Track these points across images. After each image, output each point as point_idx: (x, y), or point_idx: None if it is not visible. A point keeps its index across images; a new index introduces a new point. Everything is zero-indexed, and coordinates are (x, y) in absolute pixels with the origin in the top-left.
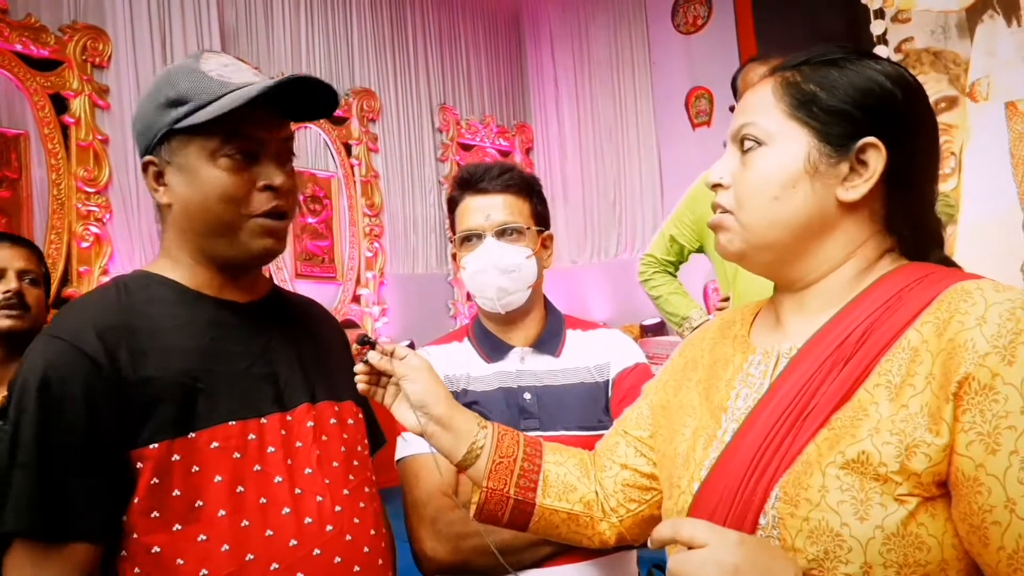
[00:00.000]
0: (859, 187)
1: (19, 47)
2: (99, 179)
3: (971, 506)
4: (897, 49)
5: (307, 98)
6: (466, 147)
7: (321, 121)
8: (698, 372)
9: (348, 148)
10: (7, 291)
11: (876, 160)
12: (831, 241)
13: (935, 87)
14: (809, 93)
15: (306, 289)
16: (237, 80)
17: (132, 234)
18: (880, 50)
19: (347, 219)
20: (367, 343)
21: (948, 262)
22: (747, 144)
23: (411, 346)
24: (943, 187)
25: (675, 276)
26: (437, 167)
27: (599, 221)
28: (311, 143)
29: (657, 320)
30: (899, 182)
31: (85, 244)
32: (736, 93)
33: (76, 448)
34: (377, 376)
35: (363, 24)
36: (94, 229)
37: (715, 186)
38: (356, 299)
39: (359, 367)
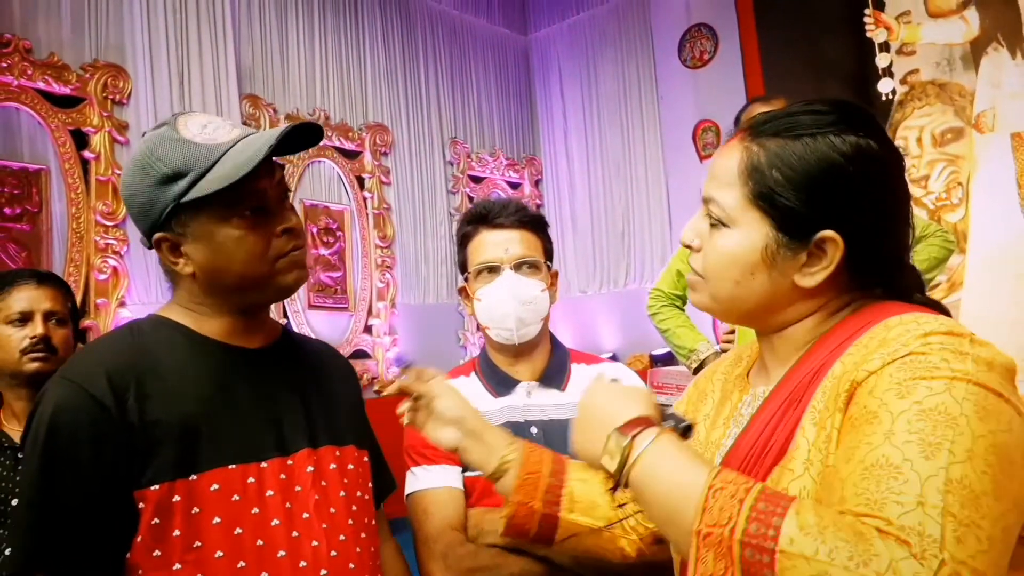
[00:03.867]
0: (816, 275)
1: (42, 84)
2: (117, 213)
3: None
4: (903, 81)
5: (297, 138)
6: (476, 179)
7: (335, 155)
8: (706, 406)
9: (361, 181)
10: (33, 336)
11: (833, 250)
12: (791, 309)
13: (941, 118)
14: (769, 184)
15: (319, 319)
16: (222, 139)
17: (148, 266)
18: (886, 83)
19: (360, 251)
20: (407, 366)
21: (933, 305)
22: (711, 218)
23: None
24: (950, 218)
25: (683, 309)
26: (448, 199)
27: (608, 252)
28: (325, 176)
29: (666, 350)
30: (859, 255)
31: (103, 276)
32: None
33: (82, 487)
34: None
35: (376, 61)
36: (112, 262)
37: (688, 247)
38: (368, 329)
39: (402, 404)
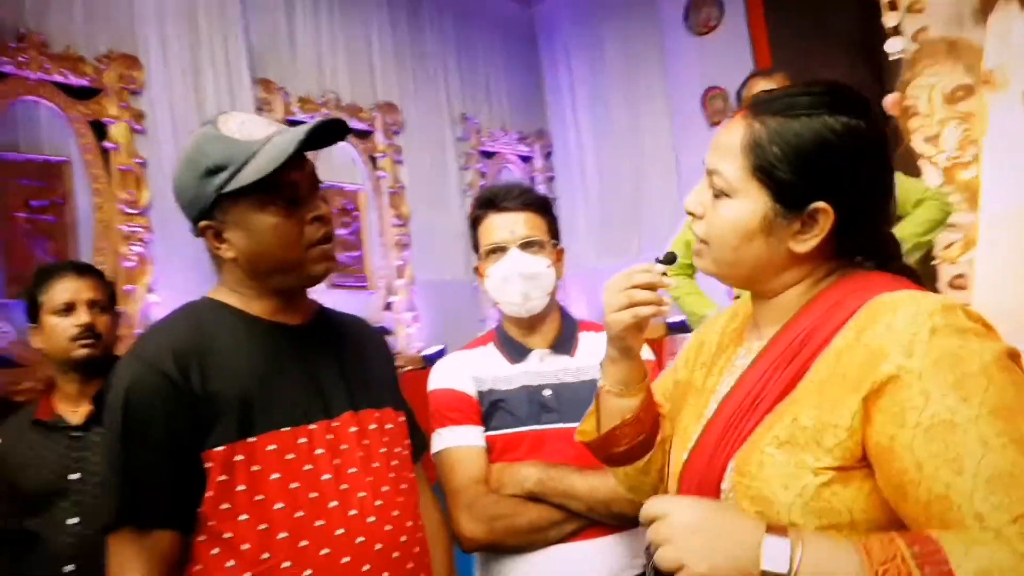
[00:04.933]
0: (809, 241)
1: (59, 77)
2: (140, 201)
3: (889, 471)
4: (913, 39)
5: (325, 133)
6: (488, 155)
7: (348, 136)
8: (703, 355)
9: (374, 160)
10: (80, 325)
11: (824, 219)
12: (786, 273)
13: (951, 76)
14: (768, 159)
15: (340, 297)
16: (259, 135)
17: (172, 252)
18: (894, 42)
19: (376, 230)
20: (670, 261)
21: (906, 271)
22: (714, 189)
23: (443, 351)
24: (964, 176)
25: (692, 277)
26: (460, 175)
27: (619, 222)
28: (339, 158)
29: (682, 318)
30: (847, 225)
31: (130, 264)
32: (741, 104)
33: (157, 451)
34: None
35: (384, 40)
36: (137, 249)
37: (691, 214)
38: (388, 306)
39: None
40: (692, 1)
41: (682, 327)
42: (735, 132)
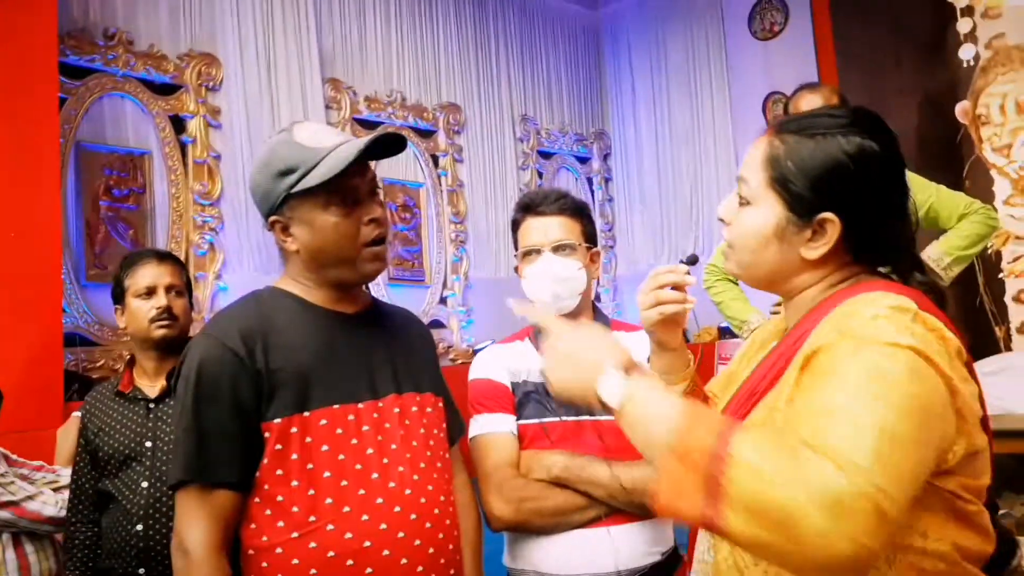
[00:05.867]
0: (819, 249)
1: (144, 74)
2: (213, 193)
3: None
4: (986, 46)
5: (386, 144)
6: (546, 155)
7: (411, 134)
8: (752, 349)
9: (435, 159)
10: (159, 307)
11: (832, 229)
12: (801, 277)
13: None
14: (784, 172)
15: (398, 292)
16: (328, 143)
17: (242, 242)
18: (967, 49)
19: (435, 226)
20: (692, 262)
21: (928, 286)
22: (740, 198)
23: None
24: None
25: (736, 283)
26: (518, 175)
27: (676, 225)
28: (402, 155)
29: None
30: (856, 236)
31: (201, 252)
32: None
33: (223, 418)
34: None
35: (449, 41)
36: (209, 238)
37: (722, 220)
38: (443, 301)
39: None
40: (756, 5)
41: (732, 332)
42: (760, 147)
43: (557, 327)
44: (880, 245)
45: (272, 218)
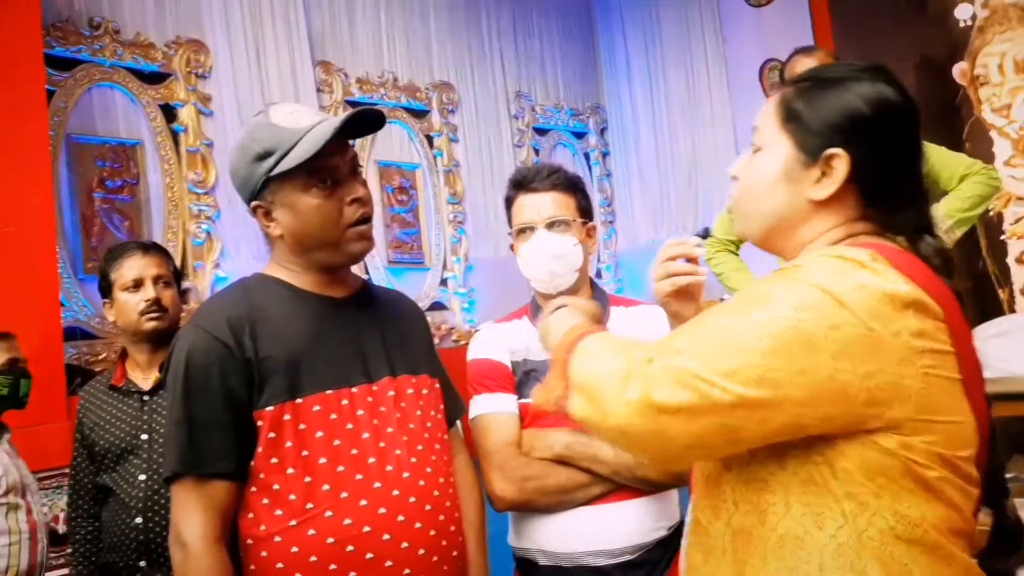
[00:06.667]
0: (826, 187)
1: (132, 63)
2: (207, 181)
3: None
4: (984, 5)
5: (364, 122)
6: (541, 132)
7: (404, 115)
8: None
9: (430, 140)
10: (148, 299)
11: (841, 166)
12: (807, 226)
13: (1023, 44)
14: (795, 111)
15: (398, 274)
16: (305, 124)
17: (239, 230)
18: (964, 8)
19: (432, 208)
20: (705, 235)
21: (936, 251)
22: (753, 146)
23: None
24: None
25: (736, 254)
26: (515, 152)
27: (675, 197)
28: (395, 137)
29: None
30: (868, 181)
31: (198, 241)
32: (783, 82)
33: (214, 408)
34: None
35: (440, 21)
36: (205, 227)
37: (733, 177)
38: (444, 283)
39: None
40: None
41: None
42: (773, 100)
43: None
44: (889, 195)
45: (254, 203)
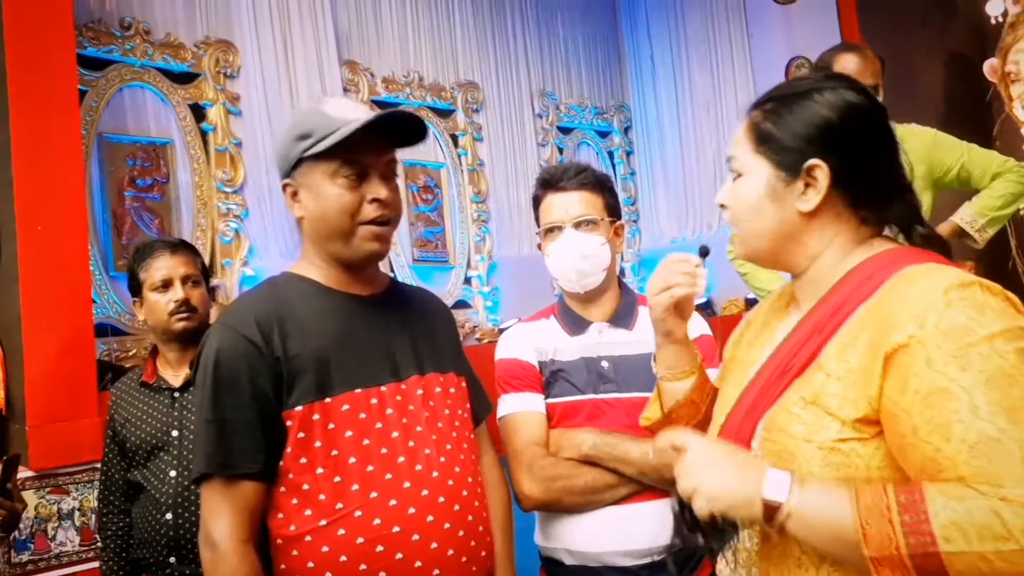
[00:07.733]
0: (812, 198)
1: (162, 64)
2: (236, 180)
3: (892, 433)
4: (1016, 1)
5: (406, 129)
6: (565, 131)
7: (430, 114)
8: (749, 333)
9: (455, 139)
10: (177, 300)
11: (822, 176)
12: (806, 243)
13: None
14: (766, 132)
15: (422, 273)
16: (351, 116)
17: (267, 228)
18: (995, 4)
19: (457, 206)
20: (704, 254)
21: (931, 238)
22: (733, 174)
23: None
24: None
25: None
26: (539, 151)
27: (700, 196)
28: None
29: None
30: (852, 185)
31: (227, 240)
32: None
33: (243, 408)
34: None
35: (465, 20)
36: (234, 225)
37: (722, 206)
38: (468, 281)
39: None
40: None
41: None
42: (742, 125)
43: (691, 439)
44: (874, 192)
45: (284, 182)
